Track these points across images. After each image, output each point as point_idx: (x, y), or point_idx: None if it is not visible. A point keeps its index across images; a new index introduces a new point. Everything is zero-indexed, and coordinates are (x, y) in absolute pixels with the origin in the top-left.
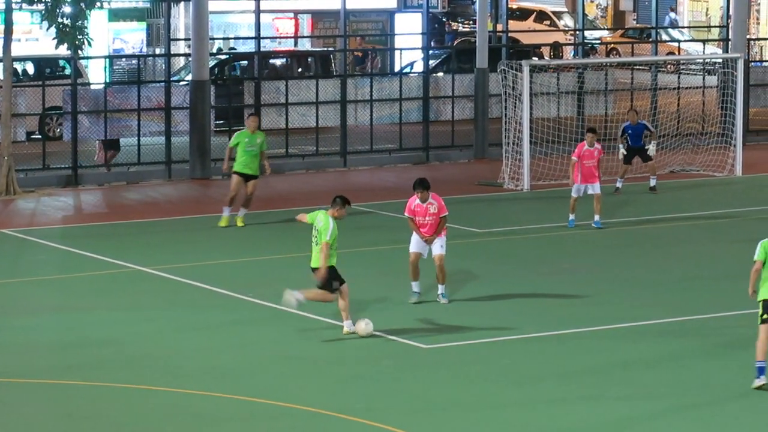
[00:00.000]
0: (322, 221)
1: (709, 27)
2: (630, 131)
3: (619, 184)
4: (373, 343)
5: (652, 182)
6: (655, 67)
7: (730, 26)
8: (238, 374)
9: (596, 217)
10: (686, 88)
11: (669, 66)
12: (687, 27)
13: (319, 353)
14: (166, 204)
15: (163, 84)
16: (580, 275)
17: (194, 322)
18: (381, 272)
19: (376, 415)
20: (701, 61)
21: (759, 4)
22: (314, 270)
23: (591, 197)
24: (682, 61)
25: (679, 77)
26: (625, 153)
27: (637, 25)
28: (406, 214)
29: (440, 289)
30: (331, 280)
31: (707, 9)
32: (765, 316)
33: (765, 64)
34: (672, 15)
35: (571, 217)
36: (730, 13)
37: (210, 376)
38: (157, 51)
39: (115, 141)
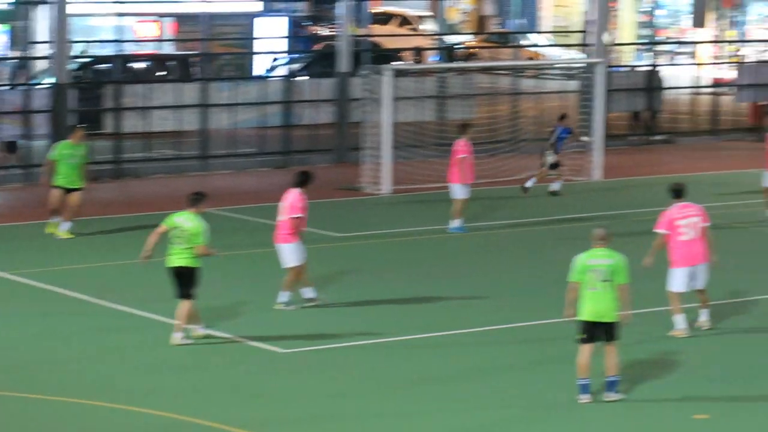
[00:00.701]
0: (192, 221)
1: (570, 32)
2: (563, 135)
3: (530, 184)
4: (233, 349)
5: (554, 186)
6: (516, 72)
7: (590, 31)
8: (93, 380)
9: (456, 222)
10: (547, 92)
11: (530, 71)
12: (548, 32)
13: (179, 359)
14: (23, 208)
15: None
16: (440, 279)
17: (48, 328)
18: (241, 276)
19: (232, 419)
20: (562, 65)
21: (619, 9)
22: (178, 269)
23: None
24: (543, 66)
25: (539, 82)
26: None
27: (500, 29)
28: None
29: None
30: (196, 284)
31: (568, 14)
32: (583, 336)
33: (624, 68)
34: (516, 20)
35: (458, 222)
36: (591, 18)
37: (65, 382)
38: (19, 54)
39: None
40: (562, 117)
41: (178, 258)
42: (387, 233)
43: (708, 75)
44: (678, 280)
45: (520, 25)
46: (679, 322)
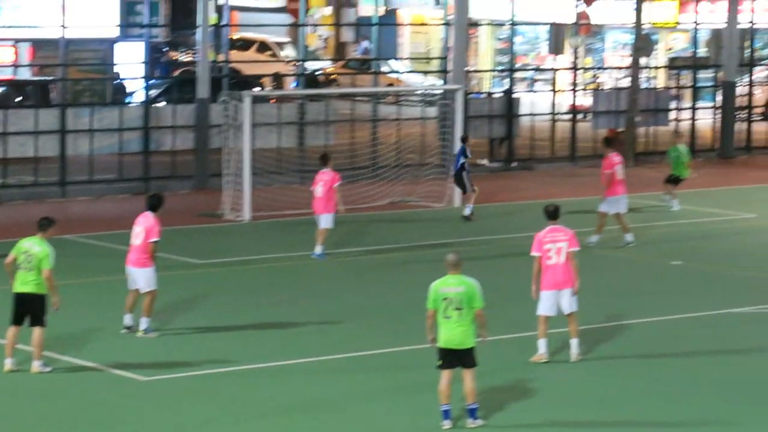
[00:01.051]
0: (39, 245)
1: (429, 59)
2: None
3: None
4: (92, 376)
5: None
6: (375, 98)
7: (449, 58)
8: None
9: (318, 249)
10: (406, 119)
11: (390, 97)
12: (407, 58)
13: (35, 386)
14: None
15: None
16: (301, 305)
17: None
18: (96, 303)
19: None
20: (421, 92)
21: (478, 36)
22: (24, 295)
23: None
24: (402, 93)
25: (399, 108)
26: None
27: (359, 56)
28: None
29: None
30: (45, 311)
31: (428, 41)
32: (440, 363)
33: (483, 95)
34: (365, 44)
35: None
36: (450, 45)
37: None
38: None
39: None
40: (464, 139)
41: (23, 284)
42: (247, 260)
43: (566, 102)
44: (542, 304)
45: (363, 49)
46: (541, 346)
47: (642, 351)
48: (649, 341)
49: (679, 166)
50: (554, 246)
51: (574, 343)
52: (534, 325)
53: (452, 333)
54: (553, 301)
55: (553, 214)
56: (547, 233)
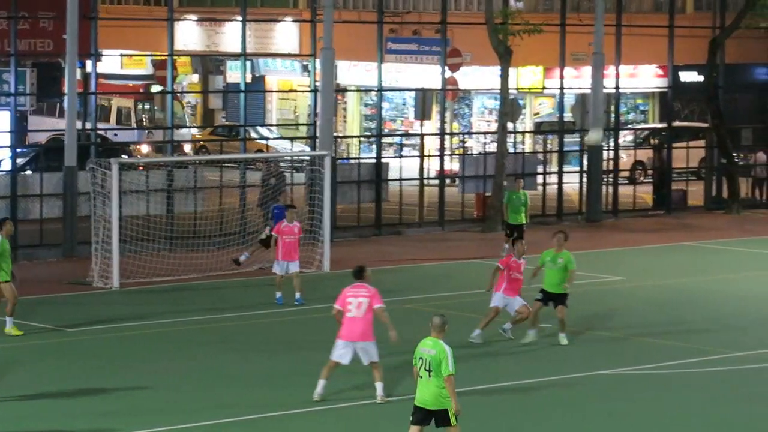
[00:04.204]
0: None
1: (297, 125)
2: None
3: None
4: None
5: (242, 257)
6: (243, 165)
7: (317, 124)
8: None
9: (297, 295)
10: (274, 185)
11: (258, 164)
12: (275, 125)
13: None
14: None
15: None
16: (164, 373)
17: None
18: None
19: None
20: (289, 158)
21: (345, 102)
22: None
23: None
24: (270, 159)
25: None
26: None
27: (226, 123)
28: None
29: None
30: None
31: (295, 107)
32: (412, 417)
33: (352, 161)
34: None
35: (278, 294)
36: (317, 111)
37: None
38: None
39: None
40: (289, 206)
41: None
42: (116, 327)
43: (434, 166)
44: (335, 350)
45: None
46: (318, 387)
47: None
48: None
49: (515, 211)
50: (356, 300)
51: (379, 386)
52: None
53: (422, 392)
54: (349, 349)
55: (357, 274)
56: (351, 288)
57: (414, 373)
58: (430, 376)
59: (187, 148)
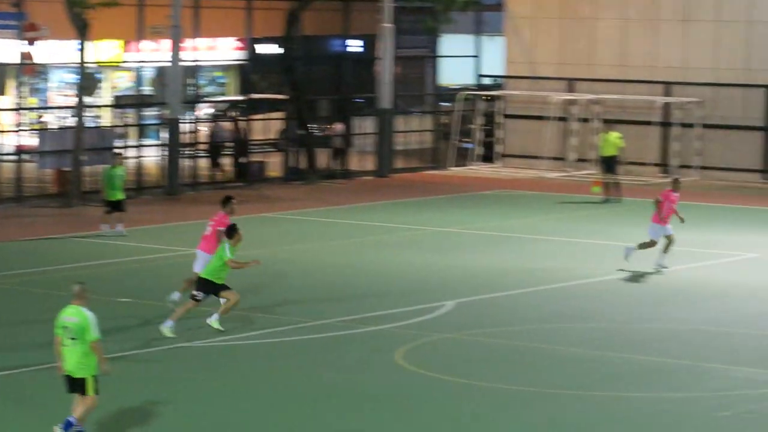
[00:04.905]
0: None
1: None
2: None
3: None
4: None
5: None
6: None
7: None
8: None
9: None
10: None
11: None
12: None
13: None
14: None
15: None
16: None
17: None
18: None
19: None
20: None
21: None
22: None
23: None
24: None
25: None
26: None
27: None
28: None
29: None
30: None
31: None
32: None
33: None
34: None
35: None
36: None
37: None
38: None
39: None
40: None
41: None
42: None
43: (11, 142)
44: None
45: None
46: None
47: None
48: None
49: (112, 188)
50: None
51: None
52: None
53: (67, 361)
54: None
55: None
56: None
57: (57, 343)
58: (75, 344)
59: None
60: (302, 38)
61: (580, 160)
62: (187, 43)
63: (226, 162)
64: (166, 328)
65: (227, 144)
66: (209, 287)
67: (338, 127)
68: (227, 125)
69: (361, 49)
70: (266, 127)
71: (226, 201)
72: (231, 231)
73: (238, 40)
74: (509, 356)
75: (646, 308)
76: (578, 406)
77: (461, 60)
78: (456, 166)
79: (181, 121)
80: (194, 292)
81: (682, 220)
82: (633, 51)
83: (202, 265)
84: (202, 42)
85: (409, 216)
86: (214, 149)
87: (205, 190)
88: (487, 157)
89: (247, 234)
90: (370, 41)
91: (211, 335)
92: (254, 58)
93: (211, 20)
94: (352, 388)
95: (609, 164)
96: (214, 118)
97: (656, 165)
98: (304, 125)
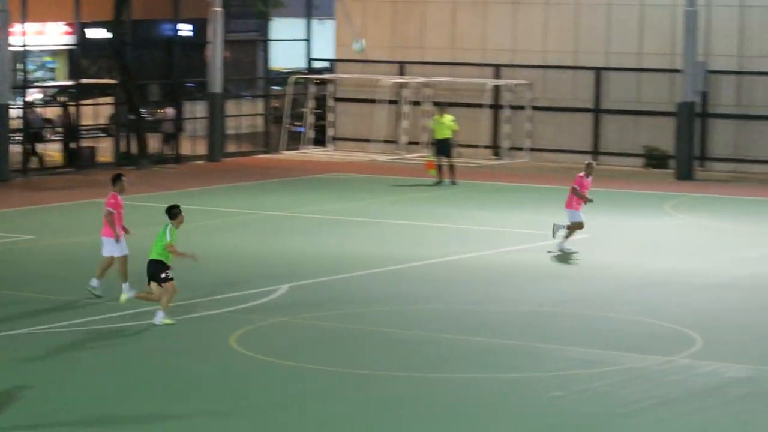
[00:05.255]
0: None
1: None
2: None
3: None
4: None
5: None
6: None
7: None
8: None
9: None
10: None
11: None
12: None
13: None
14: None
15: None
16: None
17: None
18: None
19: None
20: None
21: None
22: None
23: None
24: None
25: None
26: None
27: None
28: None
29: None
30: None
31: None
32: None
33: None
34: None
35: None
36: None
37: None
38: None
39: None
40: None
41: None
42: None
43: None
44: None
45: None
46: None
47: None
48: None
49: None
50: None
51: None
52: None
53: None
54: None
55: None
56: None
57: None
58: None
59: None
60: (132, 23)
61: (412, 143)
62: (16, 27)
63: (56, 147)
64: (160, 319)
65: (45, 130)
66: (162, 267)
67: (169, 111)
68: (50, 111)
69: (191, 34)
70: (96, 112)
71: (117, 179)
72: (174, 211)
73: (67, 24)
74: (342, 339)
75: (480, 290)
76: (411, 388)
77: (292, 44)
78: (288, 149)
79: (10, 106)
80: (162, 275)
81: (590, 201)
82: (463, 34)
83: (109, 250)
84: (30, 27)
85: (242, 200)
86: (32, 136)
87: (36, 176)
88: (320, 141)
89: (78, 220)
90: (200, 25)
91: (35, 324)
92: (84, 43)
93: (39, 4)
94: (183, 373)
95: (443, 147)
96: (29, 105)
97: (487, 147)
98: (135, 110)
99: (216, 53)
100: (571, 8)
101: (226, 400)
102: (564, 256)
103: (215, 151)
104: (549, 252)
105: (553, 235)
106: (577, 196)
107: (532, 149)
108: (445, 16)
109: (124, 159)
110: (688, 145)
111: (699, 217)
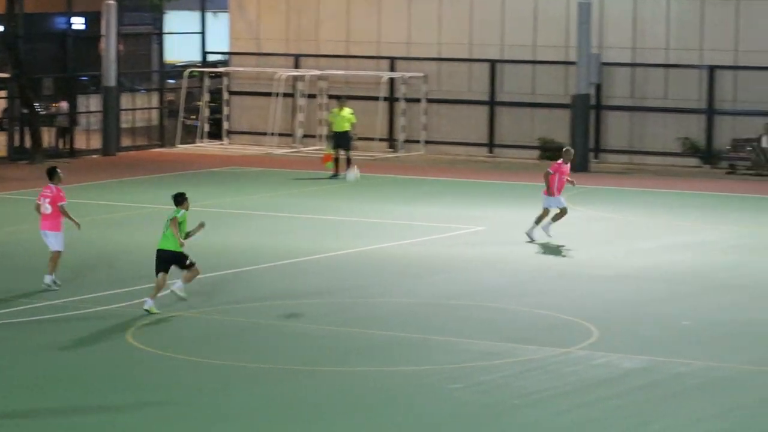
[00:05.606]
0: None
1: None
2: None
3: None
4: None
5: None
6: None
7: None
8: None
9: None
10: None
11: None
12: None
13: None
14: None
15: None
16: None
17: None
18: None
19: None
20: None
21: None
22: None
23: None
24: None
25: None
26: None
27: None
28: None
29: None
30: None
31: None
32: None
33: None
34: None
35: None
36: None
37: None
38: None
39: None
40: None
41: None
42: None
43: None
44: None
45: None
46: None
47: None
48: None
49: None
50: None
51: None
52: None
53: None
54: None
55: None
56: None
57: None
58: None
59: None
60: (25, 15)
61: (308, 136)
62: None
63: None
64: (153, 306)
65: None
66: (182, 255)
67: (63, 105)
68: None
69: (84, 27)
70: None
71: (53, 172)
72: (181, 198)
73: None
74: (242, 333)
75: (377, 284)
76: (310, 381)
77: (187, 37)
78: (183, 143)
79: None
80: (187, 262)
81: (573, 184)
82: (358, 27)
83: (54, 243)
84: None
85: (138, 194)
86: None
87: None
88: (215, 135)
89: None
90: (93, 18)
91: None
92: None
93: None
94: (79, 368)
95: (341, 140)
96: None
97: (383, 140)
98: (28, 104)
99: (110, 46)
100: (466, 0)
101: (119, 395)
102: (462, 249)
103: (110, 145)
104: (530, 241)
105: (548, 234)
106: (548, 184)
107: (428, 142)
108: (340, 8)
109: (17, 153)
110: (582, 137)
111: (594, 209)
